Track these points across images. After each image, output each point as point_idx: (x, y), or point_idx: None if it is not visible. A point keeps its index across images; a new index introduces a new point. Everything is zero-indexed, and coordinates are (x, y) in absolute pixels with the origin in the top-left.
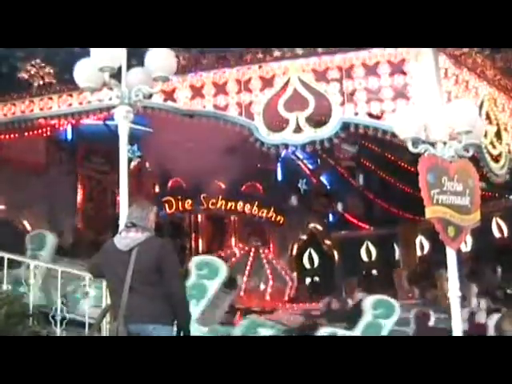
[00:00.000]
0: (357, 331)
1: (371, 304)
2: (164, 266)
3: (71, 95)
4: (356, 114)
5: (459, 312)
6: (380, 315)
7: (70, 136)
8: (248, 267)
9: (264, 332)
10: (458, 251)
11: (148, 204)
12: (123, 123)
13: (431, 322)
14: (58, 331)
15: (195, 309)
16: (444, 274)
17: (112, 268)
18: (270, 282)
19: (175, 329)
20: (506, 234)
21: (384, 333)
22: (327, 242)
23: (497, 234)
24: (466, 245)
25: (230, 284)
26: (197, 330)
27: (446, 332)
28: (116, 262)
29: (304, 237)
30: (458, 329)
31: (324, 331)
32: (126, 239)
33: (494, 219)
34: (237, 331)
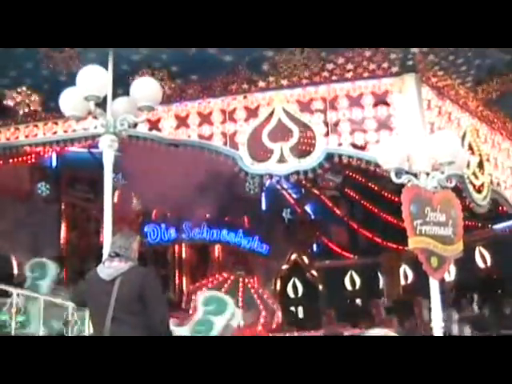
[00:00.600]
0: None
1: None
2: (147, 295)
3: (56, 123)
4: (340, 144)
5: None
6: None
7: (54, 163)
8: (240, 298)
9: None
10: (442, 280)
11: (132, 233)
12: (108, 152)
13: None
14: None
15: None
16: (423, 301)
17: (95, 297)
18: (263, 313)
19: None
20: (489, 264)
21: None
22: (311, 271)
23: (480, 264)
24: (450, 274)
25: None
26: None
27: None
28: (99, 292)
29: (288, 266)
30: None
31: None
32: (109, 269)
33: (477, 249)
34: None
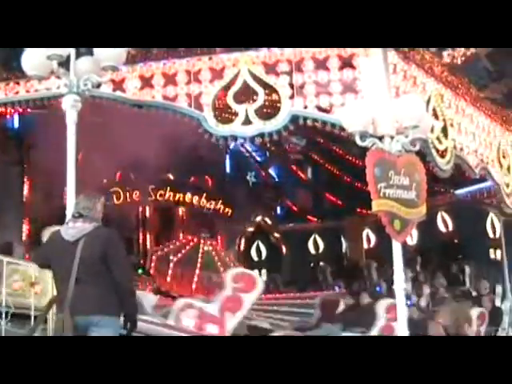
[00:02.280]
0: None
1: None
2: (110, 256)
3: (18, 83)
4: (305, 107)
5: (404, 303)
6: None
7: (16, 124)
8: (199, 260)
9: None
10: (404, 244)
11: (96, 194)
12: (71, 112)
13: (340, 309)
14: (3, 323)
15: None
16: (372, 263)
17: (58, 259)
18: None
19: (122, 321)
20: (450, 229)
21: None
22: (275, 234)
23: (442, 229)
24: (412, 238)
25: None
26: None
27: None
28: (62, 253)
29: (252, 229)
30: (402, 319)
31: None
32: (72, 229)
33: (439, 213)
34: None
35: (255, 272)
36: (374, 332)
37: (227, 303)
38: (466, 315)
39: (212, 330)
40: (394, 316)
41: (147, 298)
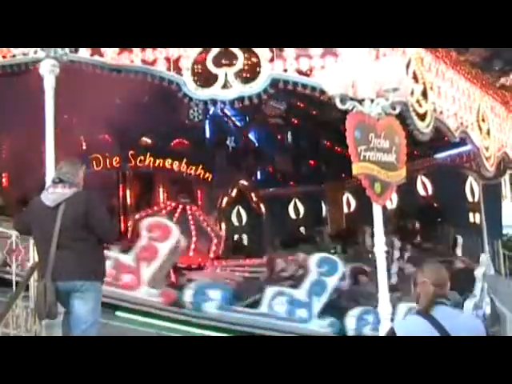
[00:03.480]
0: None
1: (316, 262)
2: (91, 216)
3: None
4: (285, 70)
5: (385, 266)
6: (324, 273)
7: None
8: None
9: (213, 294)
10: (384, 208)
11: (78, 161)
12: (49, 77)
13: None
14: None
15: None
16: (367, 229)
17: (39, 224)
18: (194, 239)
19: (103, 286)
20: (430, 192)
21: (328, 290)
22: (255, 199)
23: (422, 192)
24: (392, 202)
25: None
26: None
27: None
28: (43, 219)
29: (232, 194)
30: (383, 282)
31: (271, 290)
32: (52, 195)
33: (418, 177)
34: (187, 295)
35: (169, 221)
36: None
37: (143, 253)
38: (446, 275)
39: (128, 279)
40: None
41: None
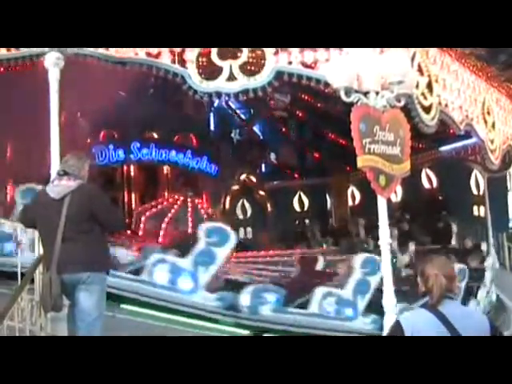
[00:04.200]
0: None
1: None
2: (97, 209)
3: None
4: (290, 62)
5: (389, 258)
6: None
7: None
8: (189, 218)
9: (270, 297)
10: (389, 201)
11: (83, 154)
12: (53, 70)
13: (318, 267)
14: None
15: (204, 275)
16: (361, 221)
17: (44, 217)
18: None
19: (108, 277)
20: (434, 185)
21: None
22: (260, 192)
23: (426, 185)
24: (396, 195)
25: None
26: (204, 297)
27: (332, 275)
28: (48, 211)
29: (237, 187)
30: (387, 275)
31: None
32: (57, 187)
33: (423, 170)
34: (245, 299)
35: (228, 226)
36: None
37: (200, 257)
38: (455, 269)
39: (185, 284)
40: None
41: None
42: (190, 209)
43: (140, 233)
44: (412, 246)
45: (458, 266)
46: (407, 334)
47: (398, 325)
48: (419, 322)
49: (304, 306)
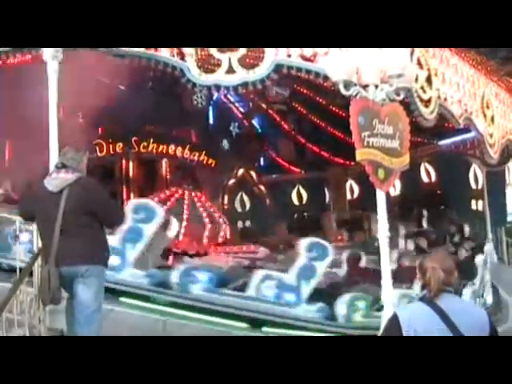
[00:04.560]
0: (292, 274)
1: (305, 247)
2: (96, 204)
3: None
4: (289, 55)
5: (388, 252)
6: (314, 258)
7: None
8: (185, 211)
9: (200, 276)
10: (387, 194)
11: (82, 147)
12: (52, 63)
13: (362, 263)
14: None
15: (131, 252)
16: (372, 216)
17: (42, 210)
18: (208, 226)
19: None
20: (433, 179)
21: (318, 275)
22: (259, 185)
23: (425, 179)
24: (395, 189)
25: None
26: (133, 274)
27: (375, 272)
28: (46, 204)
29: (236, 180)
30: (386, 268)
31: (260, 273)
32: (55, 180)
33: (422, 164)
34: (174, 276)
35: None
36: None
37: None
38: (453, 263)
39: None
40: None
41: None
42: (199, 204)
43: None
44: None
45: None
46: (404, 326)
47: (394, 317)
48: (416, 315)
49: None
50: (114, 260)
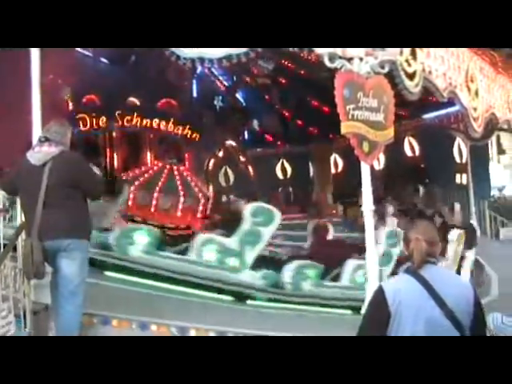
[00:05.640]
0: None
1: (251, 212)
2: (79, 178)
3: None
4: None
5: (372, 226)
6: (259, 223)
7: None
8: (160, 183)
9: (139, 237)
10: (372, 168)
11: (66, 121)
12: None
13: (330, 236)
14: None
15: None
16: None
17: (25, 183)
18: (181, 199)
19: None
20: (417, 153)
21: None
22: (242, 159)
23: (409, 153)
24: (379, 163)
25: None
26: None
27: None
28: (29, 177)
29: (220, 154)
30: (370, 242)
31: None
32: (38, 153)
33: (406, 138)
34: (112, 237)
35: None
36: None
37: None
38: (437, 235)
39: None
40: None
41: None
42: (178, 177)
43: (129, 203)
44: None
45: (457, 232)
46: (389, 298)
47: (380, 290)
48: (400, 286)
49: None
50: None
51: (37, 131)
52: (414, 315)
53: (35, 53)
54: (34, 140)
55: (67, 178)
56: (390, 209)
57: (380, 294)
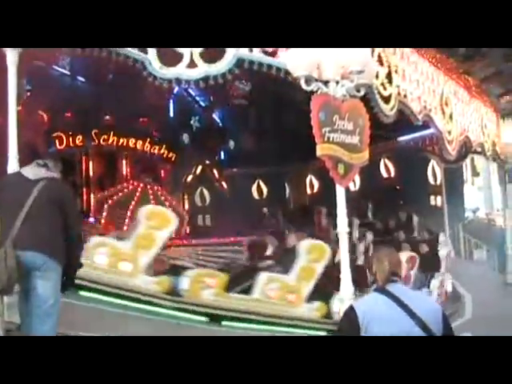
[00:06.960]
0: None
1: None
2: (67, 211)
3: None
4: (251, 50)
5: (347, 247)
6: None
7: None
8: (133, 202)
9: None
10: (347, 189)
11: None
12: (11, 54)
13: (268, 251)
14: None
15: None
16: (323, 210)
17: (11, 194)
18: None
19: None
20: (392, 175)
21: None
22: (219, 179)
23: (384, 175)
24: (355, 184)
25: None
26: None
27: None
28: (18, 189)
29: (196, 174)
30: (345, 263)
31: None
32: (35, 170)
33: (381, 160)
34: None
35: (168, 209)
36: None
37: (140, 241)
38: (399, 257)
39: (125, 267)
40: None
41: None
42: (151, 196)
43: (102, 221)
44: (369, 236)
45: (408, 254)
46: (359, 315)
47: (351, 309)
48: (371, 304)
49: None
50: None
51: (12, 150)
52: (386, 327)
53: (12, 71)
54: (10, 161)
55: (56, 198)
56: (370, 237)
57: (351, 312)
